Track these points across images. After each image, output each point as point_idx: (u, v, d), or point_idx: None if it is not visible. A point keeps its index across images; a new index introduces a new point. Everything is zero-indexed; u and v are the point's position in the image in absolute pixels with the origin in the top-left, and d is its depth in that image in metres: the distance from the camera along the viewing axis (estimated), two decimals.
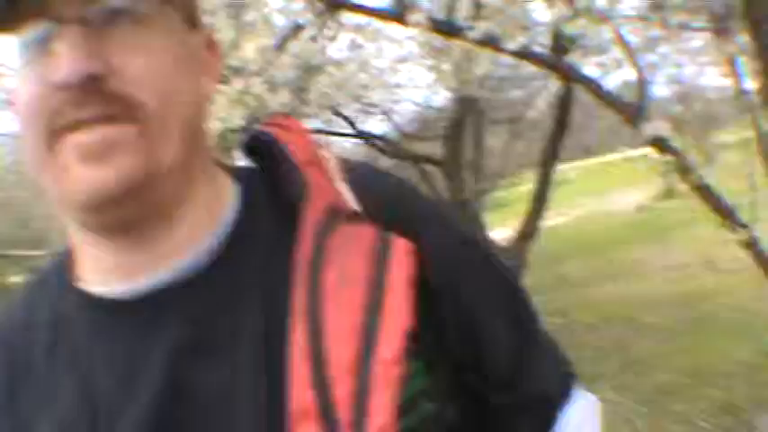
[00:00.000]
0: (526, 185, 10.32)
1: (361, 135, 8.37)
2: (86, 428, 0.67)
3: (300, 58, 2.25)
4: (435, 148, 8.84)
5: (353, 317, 0.61)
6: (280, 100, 2.28)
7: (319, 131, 6.70)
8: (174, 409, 0.65)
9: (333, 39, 2.87)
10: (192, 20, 0.72)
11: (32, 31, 0.63)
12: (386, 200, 0.75)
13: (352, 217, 0.69)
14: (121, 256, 0.70)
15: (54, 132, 0.63)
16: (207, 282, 0.68)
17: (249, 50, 1.81)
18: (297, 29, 2.37)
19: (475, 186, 8.33)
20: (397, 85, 7.87)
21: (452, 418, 0.72)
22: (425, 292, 0.67)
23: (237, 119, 2.11)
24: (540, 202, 6.49)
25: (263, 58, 1.93)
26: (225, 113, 2.09)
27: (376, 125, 9.42)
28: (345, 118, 7.30)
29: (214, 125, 2.09)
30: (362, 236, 0.67)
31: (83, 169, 0.63)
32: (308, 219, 0.67)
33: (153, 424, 0.64)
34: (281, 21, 2.72)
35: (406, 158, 8.73)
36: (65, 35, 0.61)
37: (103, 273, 0.72)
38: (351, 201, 0.71)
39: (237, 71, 2.18)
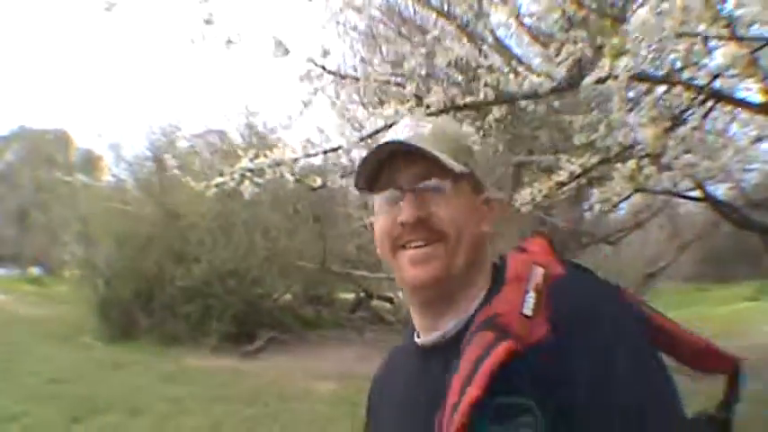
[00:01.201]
0: None
1: (706, 199, 8.33)
2: (412, 412, 1.29)
3: (684, 142, 2.61)
4: None
5: (457, 389, 1.09)
6: (654, 175, 2.71)
7: (667, 193, 6.85)
8: (420, 399, 1.26)
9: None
10: (476, 188, 1.34)
11: (388, 193, 1.31)
12: (555, 302, 1.15)
13: (493, 325, 1.12)
14: (421, 319, 1.36)
15: (395, 247, 1.29)
16: (450, 345, 1.23)
17: (646, 135, 2.24)
18: (680, 116, 2.74)
19: None
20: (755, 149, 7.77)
21: None
22: (549, 365, 1.08)
23: (627, 191, 2.60)
24: None
25: (656, 144, 2.35)
26: (619, 187, 2.57)
27: (722, 190, 9.25)
28: (698, 183, 7.36)
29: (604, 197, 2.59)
30: (485, 341, 1.11)
31: (412, 270, 1.27)
32: (474, 324, 1.18)
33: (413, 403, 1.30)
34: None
35: (749, 227, 8.55)
36: (406, 197, 1.26)
37: (417, 328, 1.38)
38: (528, 307, 1.13)
39: (628, 149, 2.65)
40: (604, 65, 2.30)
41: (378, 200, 1.33)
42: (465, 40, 3.51)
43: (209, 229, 17.48)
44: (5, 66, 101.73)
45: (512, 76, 2.52)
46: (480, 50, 2.81)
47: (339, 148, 3.04)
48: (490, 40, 3.63)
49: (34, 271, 50.31)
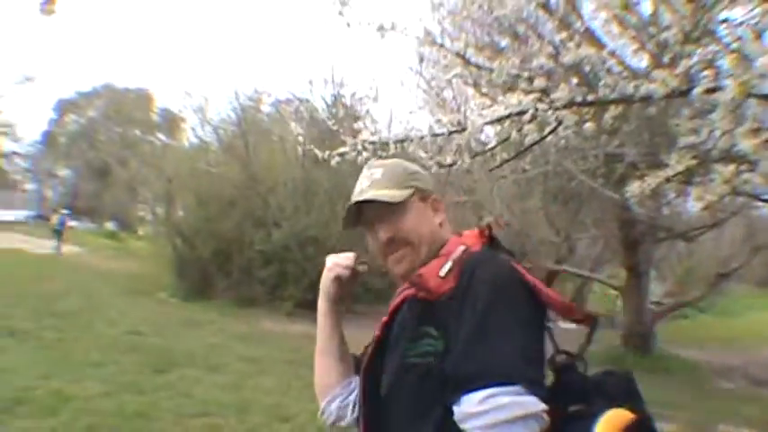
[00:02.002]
0: None
1: None
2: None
3: None
4: None
5: (383, 319, 1.87)
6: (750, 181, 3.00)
7: (748, 195, 7.04)
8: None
9: None
10: (424, 197, 1.95)
11: (367, 227, 1.99)
12: (463, 267, 1.69)
13: (411, 281, 1.76)
14: None
15: (384, 256, 1.93)
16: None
17: (746, 145, 2.55)
18: None
19: None
20: None
21: (441, 372, 1.60)
22: (448, 307, 1.64)
23: (720, 194, 2.92)
24: None
25: (757, 153, 2.66)
26: (720, 189, 2.89)
27: None
28: None
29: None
30: (401, 289, 1.86)
31: (394, 267, 1.91)
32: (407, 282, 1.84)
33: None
34: None
35: None
36: (378, 226, 1.91)
37: None
38: (444, 269, 1.71)
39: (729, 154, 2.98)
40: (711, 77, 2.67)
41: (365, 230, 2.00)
42: (556, 25, 3.79)
43: (292, 194, 18.04)
44: (92, 23, 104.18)
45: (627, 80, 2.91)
46: (603, 52, 3.17)
47: (464, 129, 3.37)
48: (581, 28, 3.83)
49: (110, 226, 52.10)
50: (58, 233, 31.89)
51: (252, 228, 17.90)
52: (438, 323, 1.66)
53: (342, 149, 4.04)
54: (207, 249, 18.52)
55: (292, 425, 7.05)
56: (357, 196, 1.95)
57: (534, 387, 1.48)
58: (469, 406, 1.49)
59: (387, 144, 3.75)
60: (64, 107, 67.86)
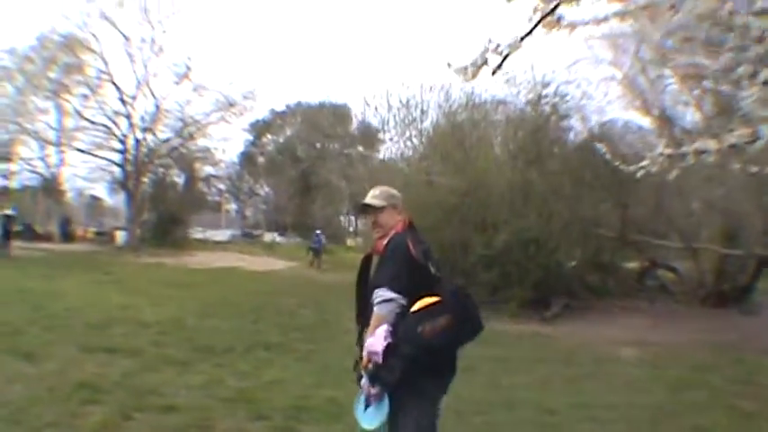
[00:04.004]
0: None
1: None
2: None
3: None
4: None
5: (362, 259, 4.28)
6: None
7: None
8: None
9: None
10: (395, 208, 4.08)
11: (365, 216, 4.74)
12: (389, 241, 3.92)
13: (376, 248, 4.03)
14: None
15: (371, 229, 4.23)
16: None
17: None
18: None
19: None
20: None
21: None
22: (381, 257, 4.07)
23: None
24: None
25: None
26: None
27: None
28: None
29: None
30: (370, 250, 4.17)
31: (374, 234, 4.18)
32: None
33: None
34: None
35: None
36: (370, 215, 4.14)
37: None
38: (384, 243, 3.93)
39: None
40: None
41: (364, 217, 4.58)
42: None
43: (510, 198, 18.57)
44: (282, 46, 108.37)
45: None
46: None
47: (756, 140, 3.88)
48: None
49: None
50: (316, 251, 36.44)
51: (473, 233, 18.55)
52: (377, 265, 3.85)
53: (643, 163, 4.66)
54: None
55: (560, 418, 7.44)
56: (365, 200, 4.04)
57: (392, 288, 3.55)
58: (373, 296, 3.58)
59: (685, 156, 4.29)
60: (259, 128, 71.51)
